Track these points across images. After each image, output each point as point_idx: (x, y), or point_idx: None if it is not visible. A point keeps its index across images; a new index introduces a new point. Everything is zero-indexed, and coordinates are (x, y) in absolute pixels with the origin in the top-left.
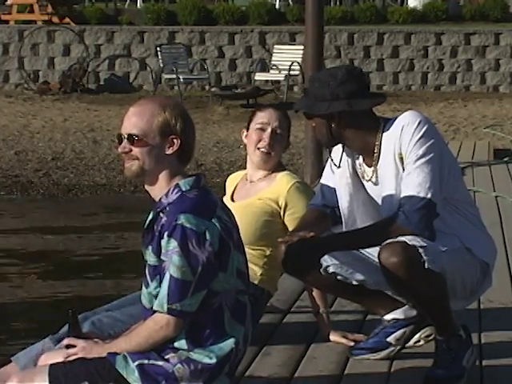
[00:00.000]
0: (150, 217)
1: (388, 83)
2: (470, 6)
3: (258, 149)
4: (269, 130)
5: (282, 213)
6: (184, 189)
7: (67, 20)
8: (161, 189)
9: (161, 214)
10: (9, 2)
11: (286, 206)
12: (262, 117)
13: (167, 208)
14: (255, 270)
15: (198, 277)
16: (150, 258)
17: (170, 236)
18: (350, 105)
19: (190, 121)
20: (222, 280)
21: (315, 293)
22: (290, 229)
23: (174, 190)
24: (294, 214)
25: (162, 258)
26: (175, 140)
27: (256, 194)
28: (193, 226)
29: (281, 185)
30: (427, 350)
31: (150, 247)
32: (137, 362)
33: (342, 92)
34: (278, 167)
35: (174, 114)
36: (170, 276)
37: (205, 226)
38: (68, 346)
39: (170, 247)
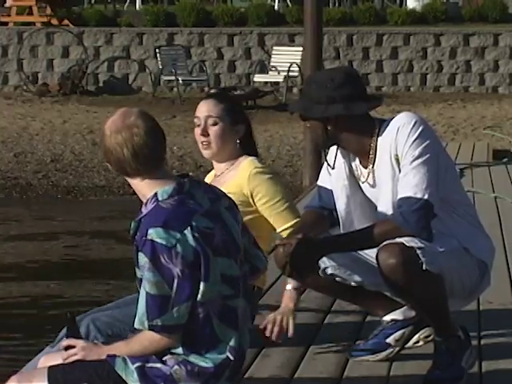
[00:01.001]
0: (132, 226)
1: (387, 84)
2: (469, 6)
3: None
4: (201, 123)
5: (251, 201)
6: (160, 198)
7: (66, 22)
8: (143, 197)
9: (140, 225)
10: (8, 4)
11: (251, 194)
12: (195, 114)
13: (142, 219)
14: None
15: (176, 289)
16: (137, 271)
17: (141, 251)
18: (346, 108)
19: (144, 128)
20: (205, 290)
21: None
22: (266, 216)
23: (152, 199)
24: (262, 199)
25: (140, 272)
26: (124, 150)
27: (222, 185)
28: (163, 240)
29: (242, 175)
30: (427, 351)
31: (134, 259)
32: (136, 365)
33: (338, 95)
34: (241, 153)
35: (117, 129)
36: (146, 293)
37: (175, 239)
38: (67, 348)
39: (142, 263)
